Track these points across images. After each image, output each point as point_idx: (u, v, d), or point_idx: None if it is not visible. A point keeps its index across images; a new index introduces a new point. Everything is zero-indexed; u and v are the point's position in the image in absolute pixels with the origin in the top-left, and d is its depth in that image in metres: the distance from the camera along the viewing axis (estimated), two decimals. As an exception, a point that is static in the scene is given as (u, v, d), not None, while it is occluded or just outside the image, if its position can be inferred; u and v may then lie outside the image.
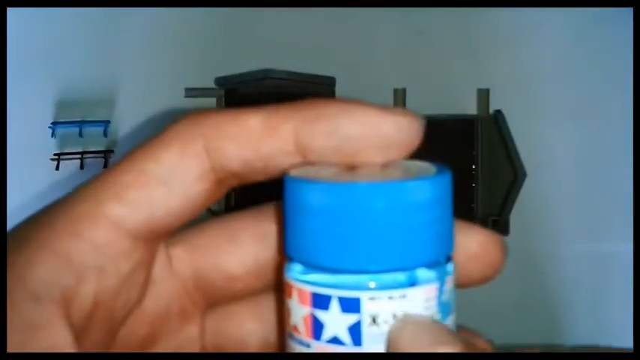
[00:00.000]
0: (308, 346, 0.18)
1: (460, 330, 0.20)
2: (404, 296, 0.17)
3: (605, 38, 0.75)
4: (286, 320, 0.19)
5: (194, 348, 0.22)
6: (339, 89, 0.71)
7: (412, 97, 0.74)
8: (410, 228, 0.17)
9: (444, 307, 0.18)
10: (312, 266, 0.18)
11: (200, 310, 0.22)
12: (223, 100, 0.70)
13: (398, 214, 0.17)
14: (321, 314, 0.18)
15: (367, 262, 0.17)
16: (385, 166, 0.19)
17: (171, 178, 0.19)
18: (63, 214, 0.19)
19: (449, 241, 0.19)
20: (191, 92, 0.71)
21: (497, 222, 0.71)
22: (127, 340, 0.20)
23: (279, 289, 0.20)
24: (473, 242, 0.20)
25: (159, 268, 0.21)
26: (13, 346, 0.17)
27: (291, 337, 0.19)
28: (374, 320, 0.17)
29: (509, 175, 0.70)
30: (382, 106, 0.19)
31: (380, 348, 0.18)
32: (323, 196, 0.17)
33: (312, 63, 0.72)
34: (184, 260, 0.21)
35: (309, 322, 0.18)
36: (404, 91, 0.74)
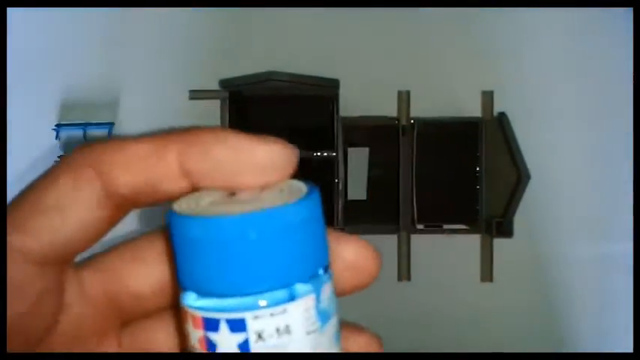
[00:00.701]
0: None
1: (345, 325, 0.21)
2: (285, 311, 0.19)
3: (609, 39, 0.75)
4: (187, 339, 0.21)
5: None
6: (342, 91, 0.71)
7: (416, 99, 0.74)
8: (283, 250, 0.19)
9: (322, 314, 0.20)
10: (202, 293, 0.20)
11: (115, 328, 0.23)
12: (227, 102, 0.71)
13: (270, 240, 0.19)
14: (213, 336, 0.19)
15: (248, 286, 0.19)
16: (263, 189, 0.20)
17: (67, 205, 0.20)
18: None
19: (323, 253, 0.20)
20: (195, 94, 0.71)
21: (501, 224, 0.71)
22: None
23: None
24: (349, 252, 0.21)
25: (71, 292, 0.21)
26: None
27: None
28: (259, 336, 0.19)
29: (513, 177, 0.69)
30: (257, 136, 0.20)
31: None
32: (200, 229, 0.19)
33: (316, 65, 0.72)
34: (94, 282, 0.22)
35: (204, 343, 0.20)
36: (408, 93, 0.74)
